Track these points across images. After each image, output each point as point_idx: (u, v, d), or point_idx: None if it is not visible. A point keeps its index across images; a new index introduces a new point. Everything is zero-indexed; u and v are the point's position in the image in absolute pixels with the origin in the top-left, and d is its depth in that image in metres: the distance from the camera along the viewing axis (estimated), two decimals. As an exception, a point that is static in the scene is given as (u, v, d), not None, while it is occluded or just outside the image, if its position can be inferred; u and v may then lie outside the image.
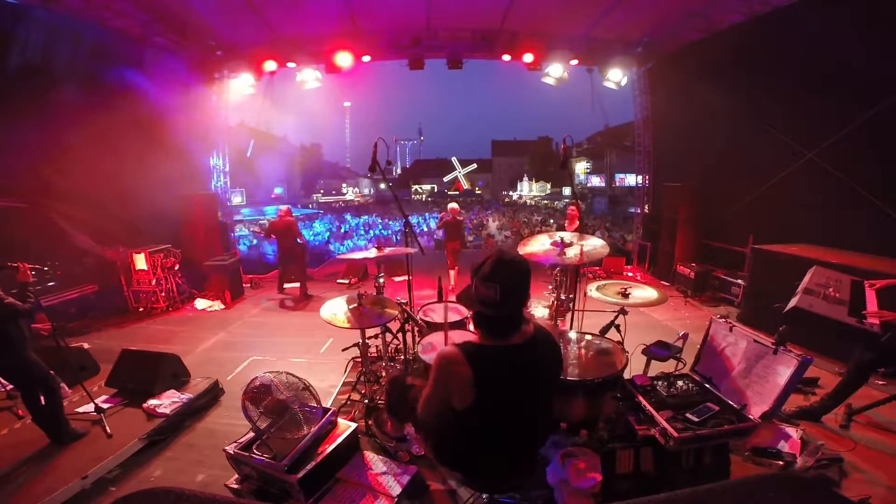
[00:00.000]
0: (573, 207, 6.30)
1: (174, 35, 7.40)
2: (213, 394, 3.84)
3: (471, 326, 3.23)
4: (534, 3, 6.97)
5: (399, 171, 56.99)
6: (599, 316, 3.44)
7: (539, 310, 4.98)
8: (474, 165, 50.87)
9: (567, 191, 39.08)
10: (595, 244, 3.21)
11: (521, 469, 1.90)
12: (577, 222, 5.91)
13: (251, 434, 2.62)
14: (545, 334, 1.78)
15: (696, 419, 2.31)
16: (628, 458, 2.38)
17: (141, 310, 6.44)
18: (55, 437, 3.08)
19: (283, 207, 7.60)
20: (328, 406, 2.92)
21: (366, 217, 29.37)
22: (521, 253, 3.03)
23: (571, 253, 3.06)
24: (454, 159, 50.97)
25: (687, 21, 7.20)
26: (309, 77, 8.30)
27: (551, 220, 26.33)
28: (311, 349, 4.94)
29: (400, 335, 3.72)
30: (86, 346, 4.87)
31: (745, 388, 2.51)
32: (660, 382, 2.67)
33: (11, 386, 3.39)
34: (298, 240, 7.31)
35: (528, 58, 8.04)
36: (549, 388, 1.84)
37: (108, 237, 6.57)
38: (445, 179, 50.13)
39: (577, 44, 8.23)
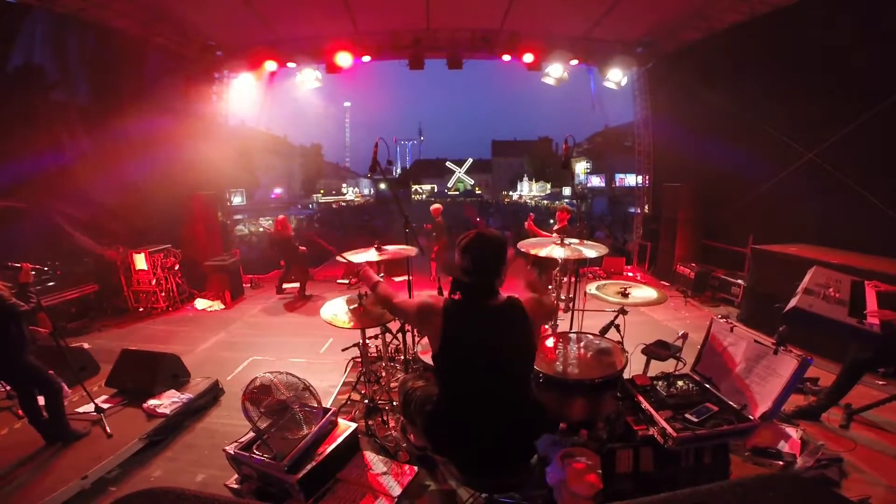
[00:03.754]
0: (562, 211, 6.20)
1: (174, 35, 7.40)
2: (213, 394, 3.84)
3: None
4: (534, 3, 6.96)
5: (399, 171, 56.92)
6: (599, 316, 3.45)
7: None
8: (470, 160, 50.58)
9: (567, 191, 39.03)
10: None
11: (507, 458, 1.88)
12: (566, 224, 5.96)
13: (251, 434, 2.62)
14: (517, 303, 1.89)
15: (696, 419, 2.31)
16: (628, 457, 2.38)
17: (141, 310, 6.45)
18: (50, 438, 3.08)
19: (280, 217, 7.54)
20: (328, 406, 2.92)
21: None
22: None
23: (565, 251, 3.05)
24: (449, 163, 50.77)
25: (687, 21, 7.20)
26: (309, 77, 8.30)
27: (551, 220, 26.26)
28: (311, 349, 4.94)
29: (400, 335, 3.72)
30: (86, 346, 4.88)
31: (745, 388, 2.51)
32: (660, 382, 2.67)
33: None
34: (301, 248, 7.35)
35: (528, 58, 8.03)
36: (517, 359, 1.87)
37: (108, 237, 6.58)
38: (449, 184, 49.97)
39: (577, 44, 8.22)
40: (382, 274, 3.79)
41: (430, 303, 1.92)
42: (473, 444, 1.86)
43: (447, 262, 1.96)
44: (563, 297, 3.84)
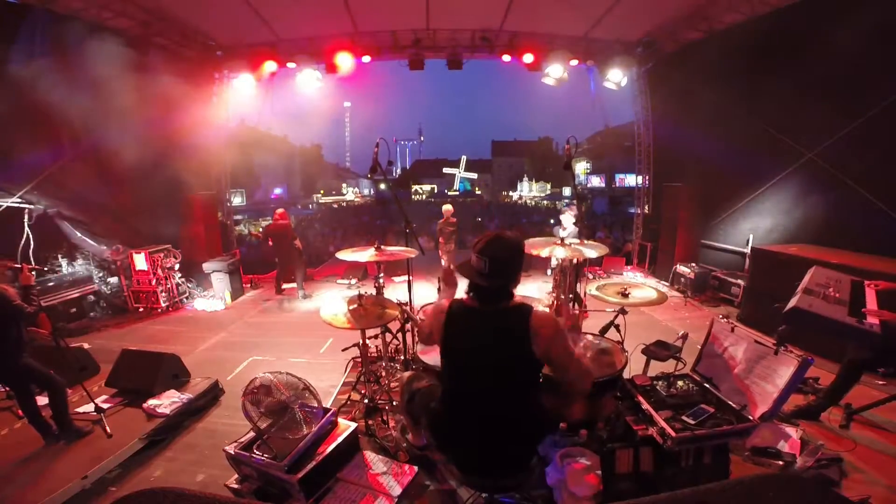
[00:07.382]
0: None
1: (174, 35, 7.40)
2: (213, 394, 3.84)
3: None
4: (534, 4, 6.96)
5: (399, 171, 56.93)
6: (599, 316, 3.45)
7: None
8: (465, 158, 50.43)
9: (567, 191, 39.04)
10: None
11: (506, 462, 1.89)
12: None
13: (251, 434, 2.62)
14: (523, 310, 1.83)
15: (695, 420, 2.31)
16: (628, 457, 2.38)
17: (141, 310, 6.45)
18: (51, 438, 3.08)
19: (279, 210, 7.54)
20: (328, 406, 2.92)
21: None
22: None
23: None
24: (446, 169, 50.71)
25: (687, 21, 7.20)
26: (309, 77, 8.30)
27: (552, 220, 26.29)
28: (311, 349, 4.94)
29: (400, 335, 3.72)
30: (86, 346, 4.87)
31: (745, 388, 2.51)
32: (660, 382, 2.67)
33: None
34: (296, 243, 7.33)
35: (528, 58, 8.03)
36: (509, 365, 1.82)
37: (108, 237, 6.58)
38: (455, 186, 49.95)
39: (577, 44, 8.22)
40: (383, 274, 3.79)
41: (442, 304, 2.03)
42: (472, 445, 1.88)
43: (463, 264, 1.95)
44: (562, 298, 3.84)
